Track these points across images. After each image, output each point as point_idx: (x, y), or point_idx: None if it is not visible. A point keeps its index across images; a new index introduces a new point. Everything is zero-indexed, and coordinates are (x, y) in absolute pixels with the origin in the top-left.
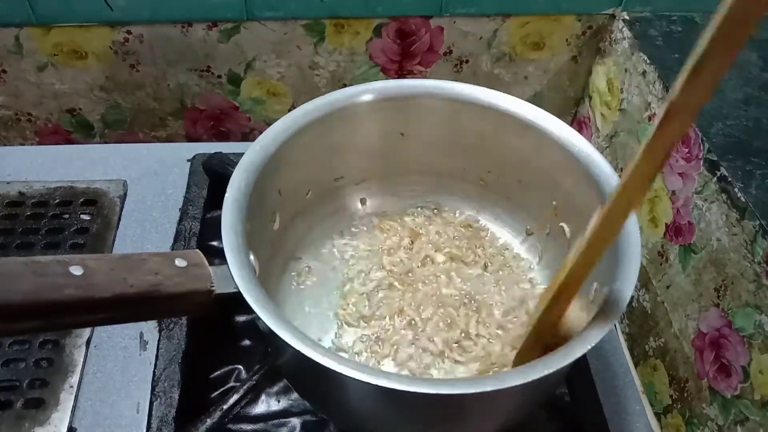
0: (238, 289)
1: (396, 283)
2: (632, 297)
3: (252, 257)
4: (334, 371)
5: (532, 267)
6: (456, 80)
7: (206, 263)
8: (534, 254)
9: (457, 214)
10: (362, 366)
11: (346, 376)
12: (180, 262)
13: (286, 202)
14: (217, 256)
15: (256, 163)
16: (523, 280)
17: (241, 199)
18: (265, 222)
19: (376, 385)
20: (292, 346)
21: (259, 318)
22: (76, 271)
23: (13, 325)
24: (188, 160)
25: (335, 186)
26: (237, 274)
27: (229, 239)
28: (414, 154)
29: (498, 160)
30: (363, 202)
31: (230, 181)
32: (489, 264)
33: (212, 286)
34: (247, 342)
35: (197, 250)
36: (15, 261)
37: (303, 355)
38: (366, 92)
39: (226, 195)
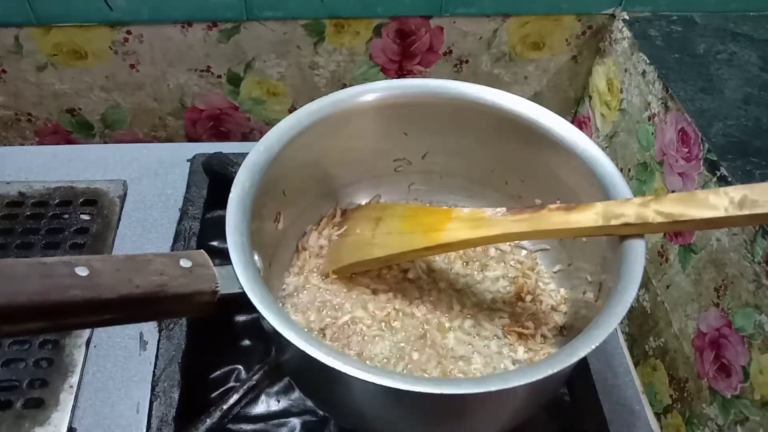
0: (242, 289)
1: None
2: None
3: (256, 257)
4: (338, 371)
5: (536, 265)
6: (456, 80)
7: (211, 264)
8: (543, 256)
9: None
10: (366, 366)
11: (350, 375)
12: (185, 263)
13: (290, 202)
14: (217, 256)
15: (260, 164)
16: (528, 276)
17: (246, 199)
18: (269, 222)
19: (380, 385)
20: (296, 346)
21: (263, 318)
22: (82, 272)
23: (19, 326)
24: (188, 160)
25: (339, 185)
26: (242, 274)
27: (234, 239)
28: (417, 154)
29: (501, 160)
30: (367, 201)
31: (234, 181)
32: (489, 263)
33: (217, 287)
34: (247, 342)
35: (202, 250)
36: (21, 262)
37: (307, 354)
38: (369, 92)
39: (231, 195)
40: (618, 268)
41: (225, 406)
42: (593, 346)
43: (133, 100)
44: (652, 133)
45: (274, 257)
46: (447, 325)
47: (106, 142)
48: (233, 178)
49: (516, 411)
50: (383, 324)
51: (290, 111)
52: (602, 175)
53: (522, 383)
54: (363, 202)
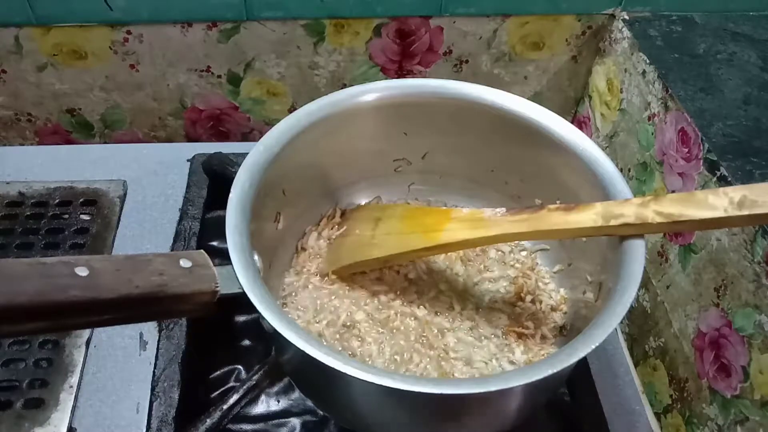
0: (242, 289)
1: (395, 299)
2: None
3: (256, 257)
4: (338, 371)
5: (536, 266)
6: (456, 80)
7: (211, 264)
8: (543, 256)
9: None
10: (366, 366)
11: (350, 375)
12: (185, 263)
13: (290, 202)
14: (217, 256)
15: (259, 164)
16: (528, 276)
17: (245, 200)
18: (269, 222)
19: (380, 385)
20: (296, 346)
21: (263, 318)
22: (82, 272)
23: (19, 326)
24: (188, 160)
25: (339, 185)
26: (242, 274)
27: (234, 239)
28: (417, 154)
29: (501, 160)
30: (367, 201)
31: (234, 182)
32: (489, 263)
33: (217, 287)
34: (247, 342)
35: (202, 250)
36: (20, 262)
37: (307, 354)
38: (369, 92)
39: (231, 195)
40: (618, 268)
41: (225, 406)
42: (593, 346)
43: (133, 100)
44: (652, 133)
45: (274, 257)
46: (447, 325)
47: (106, 142)
48: (233, 178)
49: (516, 411)
50: (383, 325)
51: (290, 111)
52: (602, 175)
53: (522, 383)
54: (363, 202)
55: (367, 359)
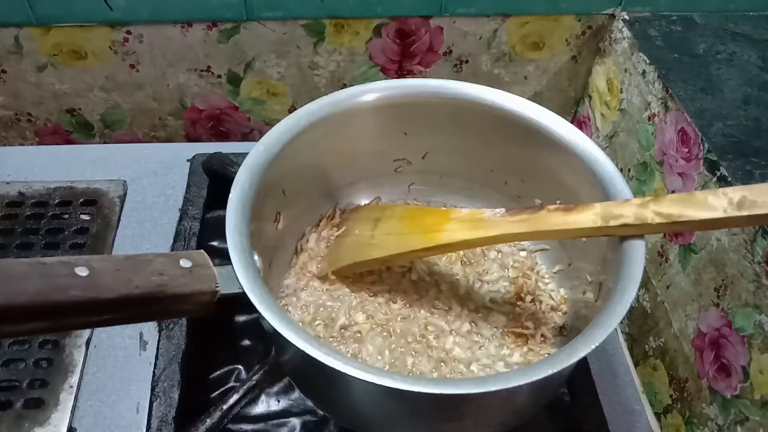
0: (242, 289)
1: (394, 299)
2: None
3: (256, 257)
4: (338, 371)
5: (536, 266)
6: (456, 80)
7: (211, 264)
8: (543, 256)
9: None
10: (366, 366)
11: (350, 375)
12: (185, 263)
13: (290, 202)
14: (217, 256)
15: (259, 164)
16: (528, 277)
17: (245, 200)
18: (269, 222)
19: (380, 385)
20: (296, 346)
21: (263, 318)
22: (82, 272)
23: (19, 326)
24: (188, 160)
25: (339, 185)
26: (242, 274)
27: (234, 240)
28: (417, 154)
29: (501, 160)
30: (367, 202)
31: (234, 182)
32: (489, 264)
33: (217, 287)
34: (247, 342)
35: (202, 250)
36: (20, 262)
37: (307, 354)
38: (369, 92)
39: (231, 195)
40: (618, 268)
41: (225, 406)
42: (593, 346)
43: (133, 100)
44: (652, 133)
45: (274, 258)
46: (446, 326)
47: (106, 142)
48: (233, 178)
49: (516, 411)
50: (382, 326)
51: (290, 111)
52: (602, 175)
53: (522, 383)
54: (363, 203)
55: (367, 360)
